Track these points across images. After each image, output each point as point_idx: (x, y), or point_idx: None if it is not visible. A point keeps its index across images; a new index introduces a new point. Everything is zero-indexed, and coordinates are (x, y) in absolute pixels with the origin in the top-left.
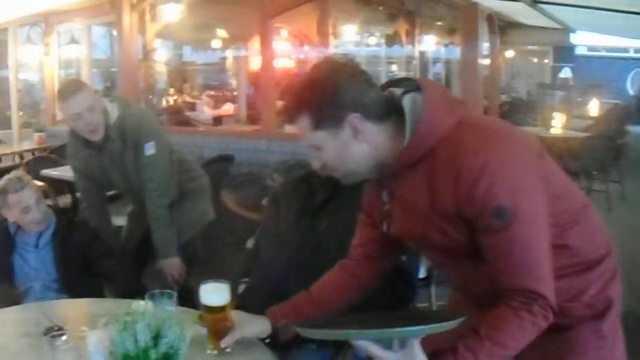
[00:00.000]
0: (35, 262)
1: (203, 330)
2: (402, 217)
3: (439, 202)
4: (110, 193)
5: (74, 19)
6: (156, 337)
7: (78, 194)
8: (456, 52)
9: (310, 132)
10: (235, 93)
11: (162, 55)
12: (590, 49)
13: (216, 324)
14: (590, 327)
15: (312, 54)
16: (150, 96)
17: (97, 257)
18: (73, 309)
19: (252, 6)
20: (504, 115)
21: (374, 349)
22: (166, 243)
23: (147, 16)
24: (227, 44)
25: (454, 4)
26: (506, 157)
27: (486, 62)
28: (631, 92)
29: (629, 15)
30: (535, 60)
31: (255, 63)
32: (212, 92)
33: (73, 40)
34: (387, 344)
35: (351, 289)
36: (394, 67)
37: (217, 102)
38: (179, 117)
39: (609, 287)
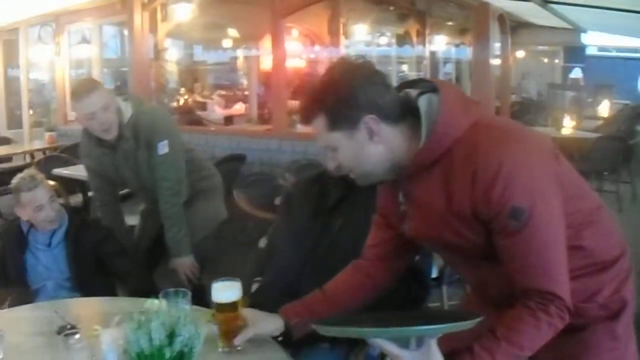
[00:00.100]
0: (47, 260)
1: (216, 329)
2: (418, 218)
3: (455, 203)
4: (122, 192)
5: (84, 19)
6: (171, 336)
7: (90, 193)
8: (467, 52)
9: (326, 133)
10: (246, 93)
11: (173, 54)
12: (601, 49)
13: (227, 321)
14: (604, 328)
15: (323, 54)
16: (162, 96)
17: (109, 256)
18: (86, 308)
19: (263, 6)
20: (514, 115)
21: (391, 347)
22: (179, 242)
23: (159, 16)
24: (238, 43)
25: (465, 4)
26: (522, 158)
27: (497, 62)
28: None
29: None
30: (546, 60)
31: (266, 63)
32: (223, 92)
33: (84, 40)
34: (404, 343)
35: (365, 288)
36: (405, 67)
37: (228, 101)
38: (190, 116)
39: (623, 287)
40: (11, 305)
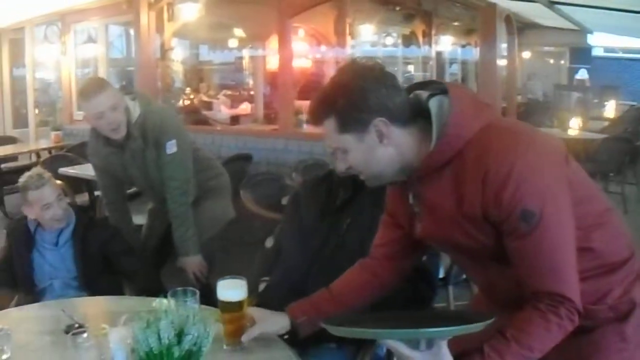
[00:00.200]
0: (54, 259)
1: (221, 327)
2: (428, 220)
3: (466, 205)
4: (130, 191)
5: (90, 18)
6: (179, 335)
7: (96, 193)
8: (473, 53)
9: (336, 135)
10: (251, 93)
11: (179, 54)
12: (607, 50)
13: (233, 320)
14: (613, 330)
15: (329, 54)
16: (167, 95)
17: (117, 255)
18: (93, 307)
19: (270, 5)
20: (520, 116)
21: (401, 348)
22: (187, 241)
23: (165, 15)
24: (244, 43)
25: (471, 4)
26: (533, 160)
27: (504, 63)
28: None
29: None
30: (552, 61)
31: (272, 62)
32: (228, 92)
33: (90, 39)
34: (414, 344)
35: (371, 287)
36: (411, 68)
37: (234, 101)
38: (196, 116)
39: (632, 289)
40: (18, 304)
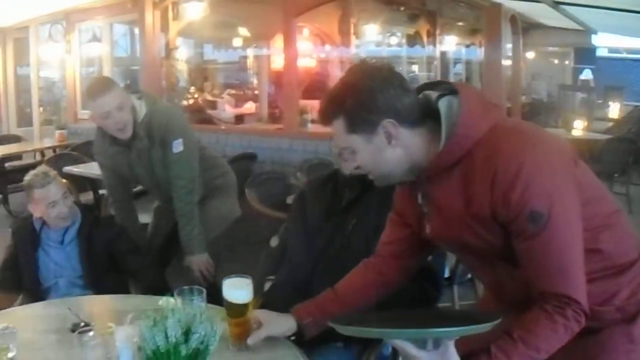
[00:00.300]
0: (59, 258)
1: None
2: (437, 220)
3: (474, 205)
4: (136, 189)
5: (95, 17)
6: (187, 333)
7: (101, 191)
8: (477, 53)
9: (345, 135)
10: (256, 92)
11: (183, 53)
12: (612, 50)
13: (238, 320)
14: (621, 331)
15: (334, 54)
16: (172, 94)
17: (122, 254)
18: (99, 305)
19: (275, 5)
20: (524, 116)
21: (408, 348)
22: (194, 240)
23: (170, 14)
24: (248, 42)
25: (476, 4)
26: (542, 161)
27: (508, 63)
28: None
29: None
30: (556, 61)
31: (276, 62)
32: (232, 91)
33: (94, 38)
34: (421, 344)
35: (376, 286)
36: (415, 68)
37: (238, 100)
38: (201, 115)
39: (639, 290)
40: (23, 303)
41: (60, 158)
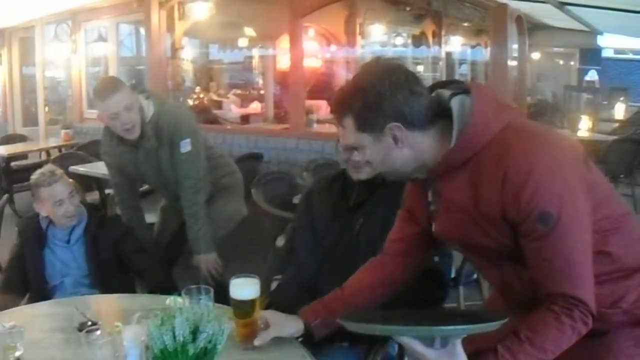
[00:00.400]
0: (65, 257)
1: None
2: (445, 218)
3: (484, 205)
4: (142, 189)
5: (101, 17)
6: (194, 332)
7: (107, 191)
8: (483, 53)
9: (355, 132)
10: (261, 92)
11: (189, 53)
12: (617, 51)
13: (245, 320)
14: (627, 334)
15: (340, 54)
16: (178, 94)
17: (128, 253)
18: (105, 305)
19: (281, 5)
20: (529, 117)
21: (416, 345)
22: (202, 239)
23: (176, 14)
24: (254, 42)
25: (482, 4)
26: (553, 162)
27: (514, 63)
28: None
29: None
30: (561, 62)
31: (282, 62)
32: (238, 91)
33: (100, 38)
34: (428, 342)
35: (384, 285)
36: (420, 68)
37: (244, 100)
38: (207, 115)
39: None
40: (30, 302)
41: (65, 157)
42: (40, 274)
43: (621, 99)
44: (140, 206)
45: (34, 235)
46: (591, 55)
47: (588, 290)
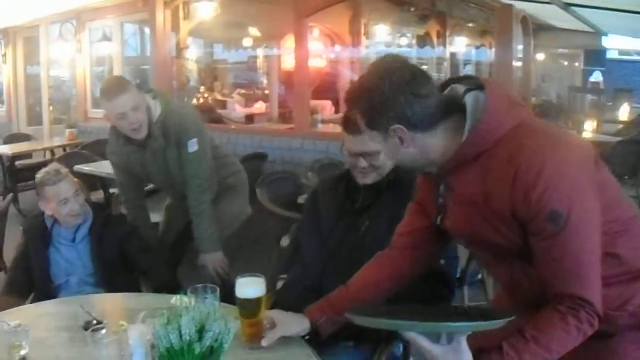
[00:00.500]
0: (70, 255)
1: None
2: (456, 212)
3: (494, 201)
4: (147, 188)
5: (106, 16)
6: (200, 331)
7: (111, 190)
8: (487, 54)
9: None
10: (266, 92)
11: (193, 53)
12: (622, 52)
13: (251, 319)
14: (633, 337)
15: (344, 54)
16: (182, 94)
17: (133, 252)
18: (110, 303)
19: (285, 5)
20: None
21: (422, 341)
22: (209, 238)
23: (181, 14)
24: (258, 42)
25: (487, 5)
26: (564, 162)
27: (519, 64)
28: None
29: None
30: (566, 63)
31: (287, 62)
32: (242, 91)
33: (105, 37)
34: (434, 338)
35: (390, 279)
36: (425, 68)
37: (248, 100)
38: (211, 114)
39: None
40: (35, 301)
41: (70, 157)
42: (45, 273)
43: (626, 100)
44: (146, 205)
45: (39, 234)
46: (596, 57)
47: (595, 291)
